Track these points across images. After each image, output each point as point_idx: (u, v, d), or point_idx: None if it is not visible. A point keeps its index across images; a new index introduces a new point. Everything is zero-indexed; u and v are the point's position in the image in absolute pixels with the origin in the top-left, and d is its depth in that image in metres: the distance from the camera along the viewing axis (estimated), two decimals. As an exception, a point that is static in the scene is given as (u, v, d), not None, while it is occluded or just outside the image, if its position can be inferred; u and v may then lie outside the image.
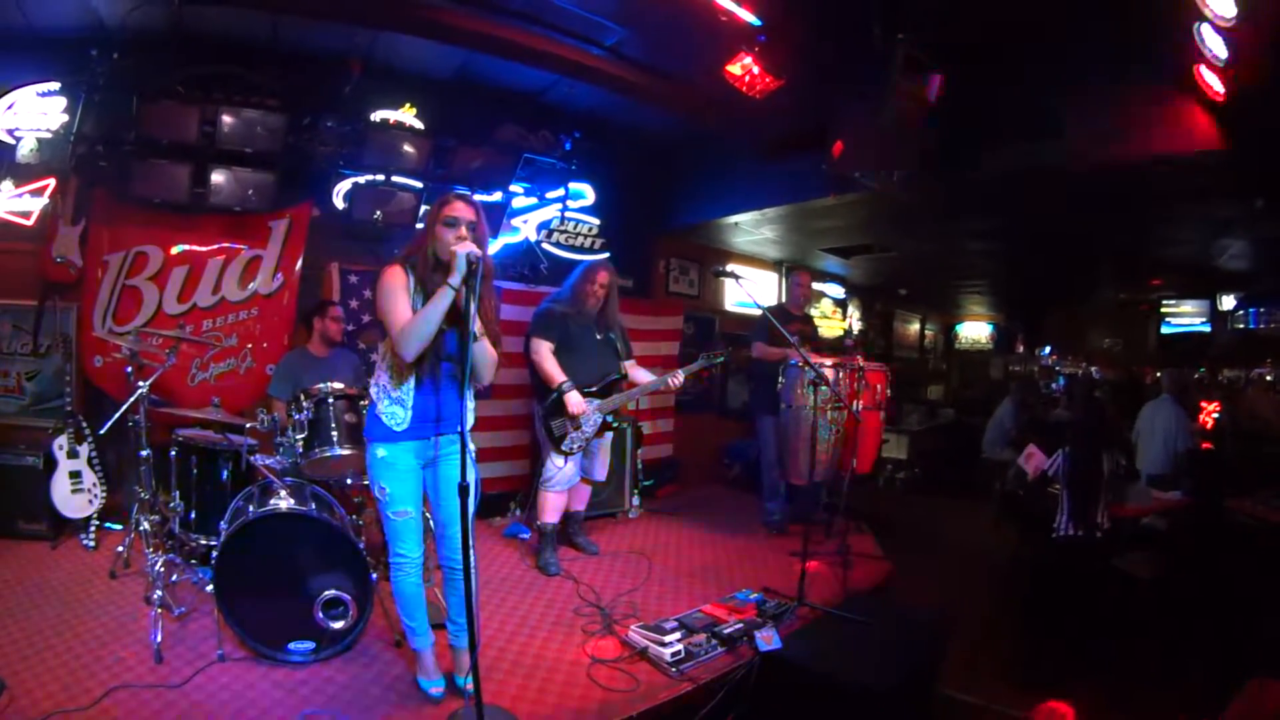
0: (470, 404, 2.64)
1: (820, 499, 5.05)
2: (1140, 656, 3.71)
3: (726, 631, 3.29)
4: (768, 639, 3.22)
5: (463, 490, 2.38)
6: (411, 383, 2.66)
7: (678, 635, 3.21)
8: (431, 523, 2.96)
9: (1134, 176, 4.55)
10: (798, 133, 4.94)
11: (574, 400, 4.16)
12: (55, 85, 4.70)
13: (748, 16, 4.14)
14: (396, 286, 2.63)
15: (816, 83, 4.49)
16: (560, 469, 4.34)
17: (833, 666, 3.10)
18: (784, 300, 5.62)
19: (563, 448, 4.25)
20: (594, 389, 4.30)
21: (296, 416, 3.44)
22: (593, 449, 4.50)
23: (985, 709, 3.28)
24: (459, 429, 2.51)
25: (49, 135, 4.75)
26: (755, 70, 4.25)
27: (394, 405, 2.67)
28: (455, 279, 2.48)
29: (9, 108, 4.68)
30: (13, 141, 4.74)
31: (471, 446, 2.53)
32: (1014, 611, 4.36)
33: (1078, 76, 4.07)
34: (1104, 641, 3.79)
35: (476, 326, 2.51)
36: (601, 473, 4.66)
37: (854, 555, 4.29)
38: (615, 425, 4.45)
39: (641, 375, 4.49)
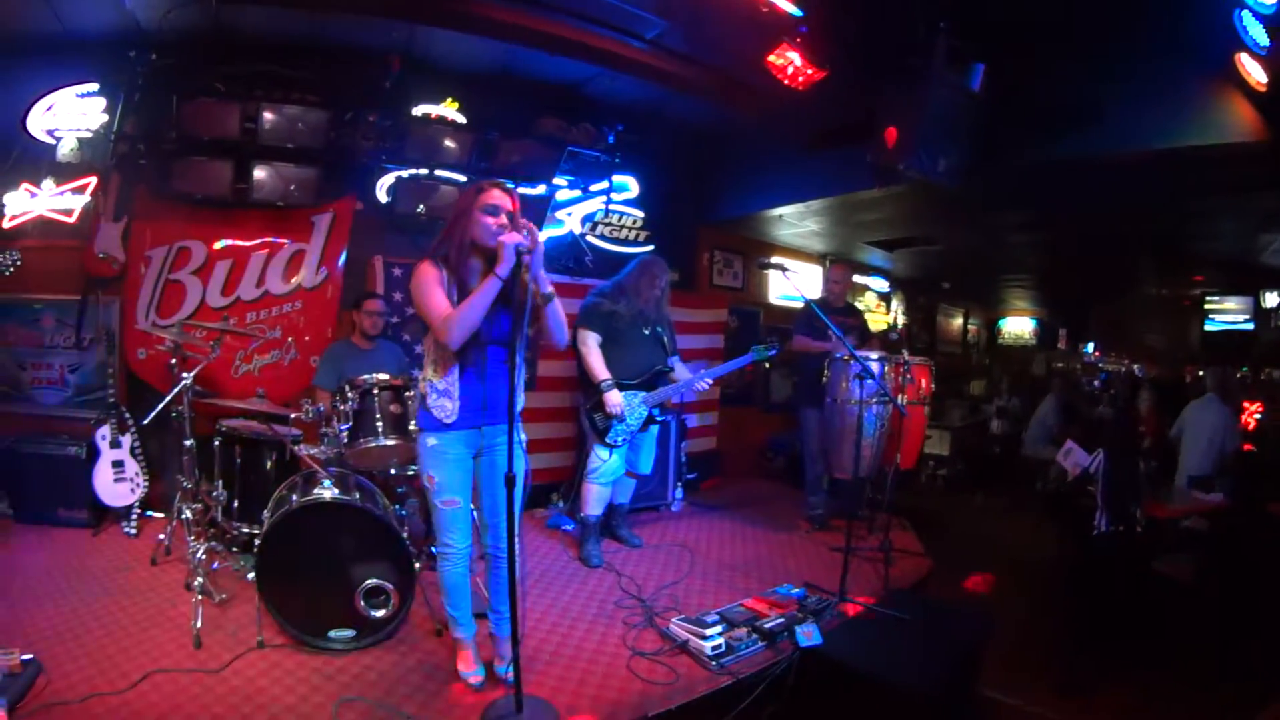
0: (520, 392, 2.62)
1: (864, 494, 4.98)
2: (1179, 660, 3.60)
3: (767, 626, 3.24)
4: (808, 634, 3.17)
5: (508, 480, 2.38)
6: (455, 372, 2.65)
7: (719, 629, 3.16)
8: (478, 513, 2.95)
9: (1174, 167, 4.43)
10: (842, 124, 4.89)
11: (612, 399, 4.15)
12: (94, 86, 4.81)
13: (789, 7, 4.12)
14: (430, 280, 2.62)
15: (860, 74, 4.43)
16: (605, 461, 4.33)
17: (872, 664, 3.05)
18: (826, 293, 5.56)
19: (607, 440, 4.25)
20: (639, 382, 4.30)
21: (341, 407, 3.45)
22: (637, 442, 4.49)
23: (1023, 710, 3.21)
24: (508, 418, 2.50)
25: (89, 135, 4.86)
26: (798, 61, 4.22)
27: (441, 398, 2.66)
28: (504, 269, 2.46)
29: (48, 109, 4.80)
30: (53, 141, 4.85)
31: (523, 436, 2.54)
32: (1054, 612, 4.25)
33: (1117, 66, 3.98)
34: (1143, 644, 3.68)
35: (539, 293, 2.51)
36: (646, 466, 4.65)
37: (895, 552, 4.23)
38: (659, 419, 4.43)
39: (686, 371, 4.46)
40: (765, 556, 4.59)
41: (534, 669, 2.96)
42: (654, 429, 4.54)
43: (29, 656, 2.81)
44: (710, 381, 4.34)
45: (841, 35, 4.23)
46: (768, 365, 4.19)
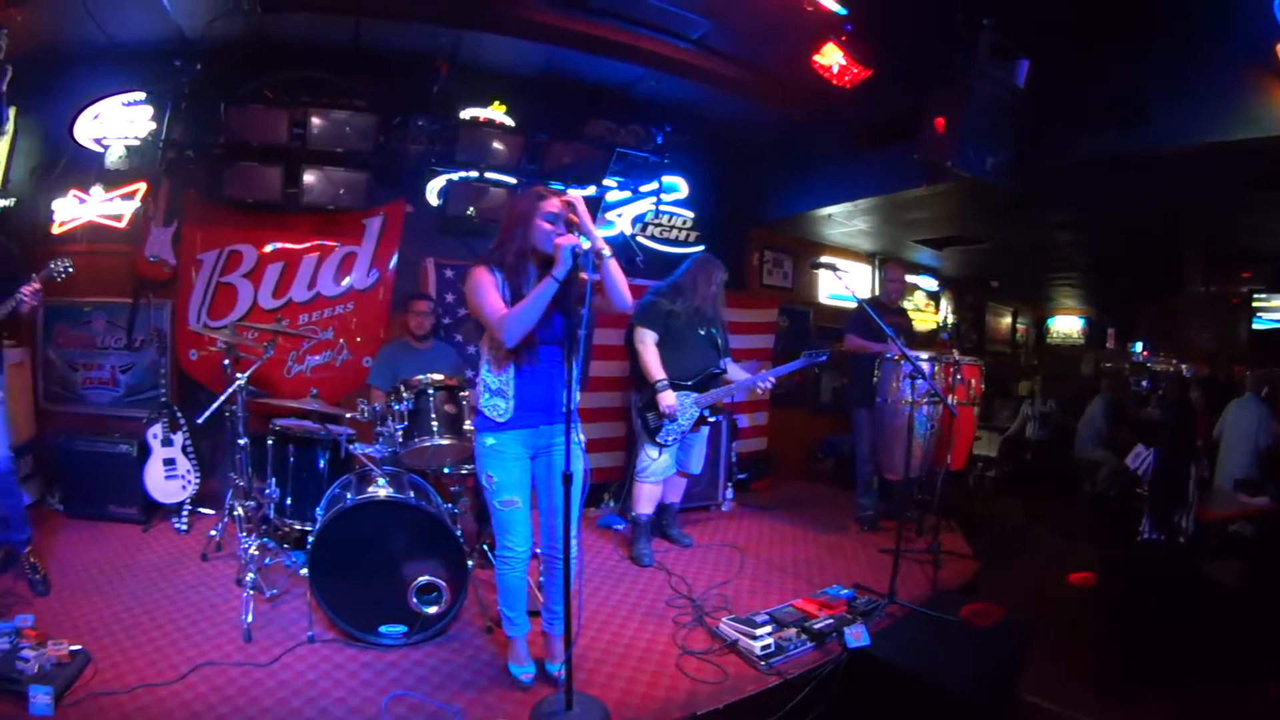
0: (576, 391, 2.60)
1: (913, 495, 4.93)
2: (1225, 668, 3.49)
3: (817, 627, 3.21)
4: (857, 635, 3.15)
5: (566, 479, 2.39)
6: (510, 371, 2.67)
7: (768, 629, 3.14)
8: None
9: (1220, 162, 4.34)
10: (888, 122, 4.86)
11: (666, 400, 4.15)
12: (140, 95, 4.94)
13: (833, 5, 4.12)
14: (485, 283, 2.64)
15: (906, 71, 4.42)
16: (655, 460, 4.33)
17: (918, 665, 3.02)
18: (878, 293, 5.49)
19: (658, 439, 4.25)
20: (691, 383, 4.29)
21: (397, 407, 3.48)
22: (688, 442, 4.48)
23: (1062, 716, 3.11)
24: (564, 418, 2.50)
25: (136, 142, 4.98)
26: (843, 60, 4.21)
27: (495, 397, 2.68)
28: (560, 271, 2.47)
29: (94, 117, 4.93)
30: (100, 149, 4.98)
31: (581, 437, 2.55)
32: (1098, 616, 4.16)
33: (1160, 59, 3.92)
34: (1188, 651, 3.58)
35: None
36: (697, 466, 4.64)
37: (944, 554, 4.17)
38: (711, 419, 4.42)
39: (739, 372, 4.45)
40: (815, 557, 4.56)
41: (584, 667, 2.96)
42: (706, 429, 4.53)
43: (77, 647, 2.87)
44: (763, 386, 4.33)
45: (886, 33, 4.21)
46: (818, 370, 4.15)
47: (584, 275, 2.50)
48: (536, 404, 2.69)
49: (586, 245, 2.48)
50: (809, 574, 4.20)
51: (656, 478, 4.38)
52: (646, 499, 4.41)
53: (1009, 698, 3.17)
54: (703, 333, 4.37)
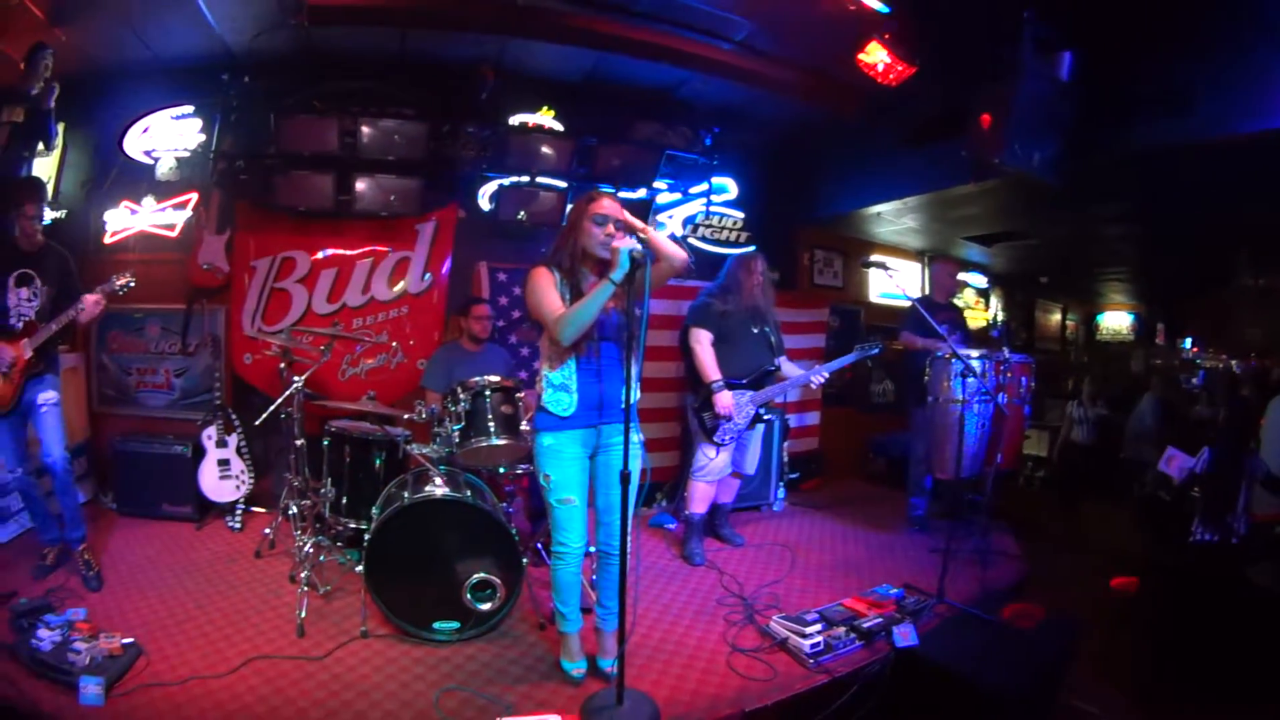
0: (636, 390, 2.63)
1: (964, 495, 4.86)
2: (1268, 677, 3.39)
3: (866, 626, 3.20)
4: (905, 635, 3.14)
5: (624, 477, 2.43)
6: (573, 366, 2.71)
7: (818, 627, 3.14)
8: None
9: (1268, 150, 4.20)
10: (935, 119, 4.83)
11: (723, 400, 4.16)
12: (189, 108, 5.07)
13: (875, 4, 4.11)
14: (545, 283, 2.70)
15: (951, 68, 4.39)
16: (712, 460, 4.34)
17: (964, 666, 3.00)
18: (929, 291, 5.44)
19: (715, 439, 4.26)
20: (746, 381, 4.31)
21: (454, 408, 3.52)
22: (743, 442, 4.49)
23: None
24: (624, 417, 2.53)
25: (186, 154, 5.12)
26: (888, 58, 4.19)
27: (558, 392, 2.72)
28: (618, 274, 2.50)
29: (144, 131, 5.07)
30: (150, 161, 5.11)
31: (640, 436, 2.57)
32: (1143, 620, 4.07)
33: (1206, 47, 3.83)
34: (1231, 657, 3.47)
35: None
36: (752, 466, 4.65)
37: (993, 554, 4.15)
38: (765, 417, 4.44)
39: (792, 369, 4.45)
40: (865, 557, 4.54)
41: (634, 663, 2.96)
42: (760, 428, 4.54)
43: (129, 640, 2.95)
44: (817, 381, 4.31)
45: (930, 29, 4.18)
46: (870, 364, 4.13)
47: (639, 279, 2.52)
48: (597, 403, 2.73)
49: (640, 248, 2.51)
50: (859, 573, 4.18)
51: (713, 477, 4.40)
52: (700, 498, 4.43)
53: (1053, 701, 3.15)
54: (756, 331, 4.38)
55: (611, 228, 2.66)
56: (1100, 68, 4.05)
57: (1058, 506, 6.35)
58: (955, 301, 5.71)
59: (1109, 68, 4.08)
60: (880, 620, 3.25)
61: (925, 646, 3.12)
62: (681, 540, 4.55)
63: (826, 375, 4.32)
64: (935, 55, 4.34)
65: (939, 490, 5.08)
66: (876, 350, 4.36)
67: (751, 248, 6.05)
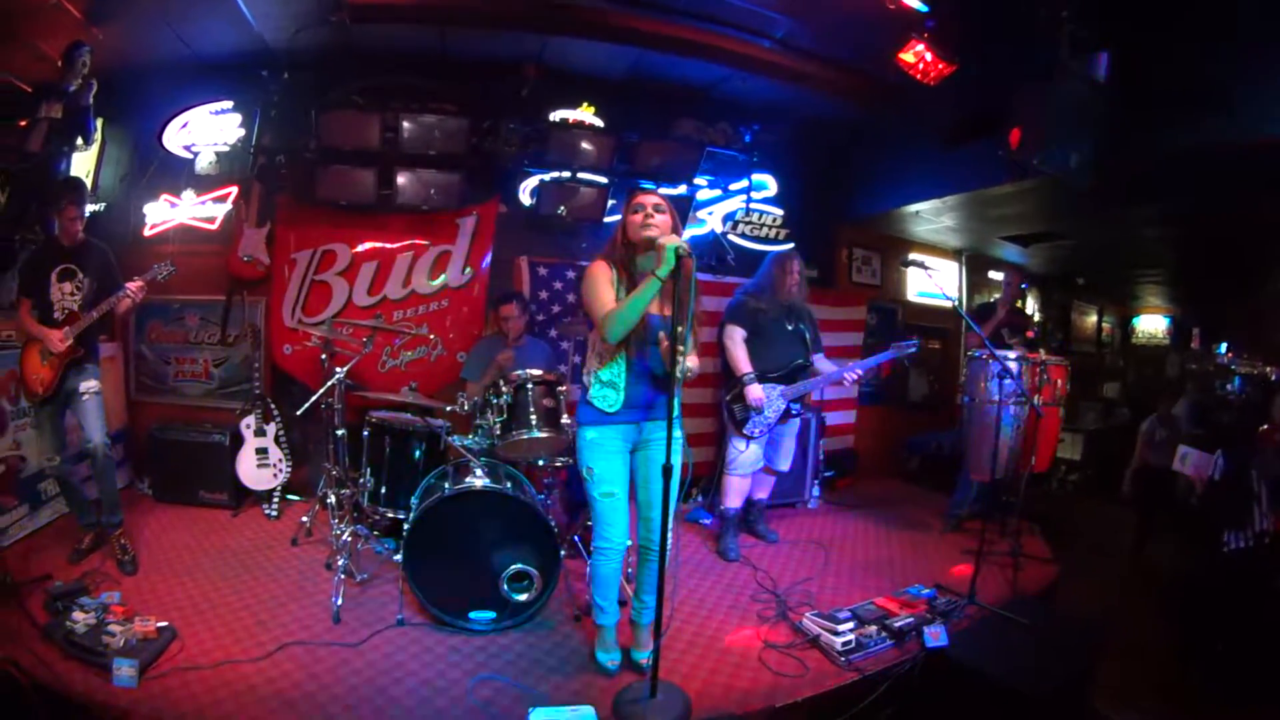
0: (679, 390, 2.65)
1: (999, 497, 4.83)
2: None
3: (897, 625, 3.22)
4: (936, 636, 3.14)
5: (665, 471, 2.45)
6: (622, 365, 2.74)
7: (850, 625, 3.16)
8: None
9: None
10: (973, 118, 4.82)
11: (753, 393, 4.21)
12: (228, 104, 5.16)
13: (914, 3, 4.11)
14: (600, 278, 2.74)
15: (989, 66, 4.38)
16: (743, 453, 4.38)
17: (993, 668, 2.99)
18: (964, 291, 5.42)
19: (745, 431, 4.30)
20: (779, 376, 4.34)
21: (496, 400, 3.56)
22: (777, 438, 4.53)
23: None
24: (667, 414, 2.54)
25: (226, 148, 5.21)
26: (928, 57, 4.19)
27: (605, 389, 2.76)
28: (663, 270, 2.53)
29: (183, 126, 5.17)
30: (190, 156, 5.22)
31: (682, 432, 2.60)
32: (1174, 629, 4.03)
33: (1244, 45, 3.76)
34: (1259, 668, 3.43)
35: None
36: (785, 463, 4.67)
37: (1025, 557, 4.11)
38: (796, 413, 4.45)
39: (827, 365, 4.49)
40: (898, 556, 4.54)
41: (668, 657, 3.00)
42: (793, 425, 4.57)
43: (164, 623, 3.01)
44: (851, 377, 4.34)
45: (969, 28, 4.17)
46: (906, 363, 4.11)
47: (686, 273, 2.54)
48: (641, 398, 2.76)
49: (686, 244, 2.53)
50: (891, 572, 4.19)
51: (744, 470, 4.43)
52: (735, 492, 4.46)
53: (1082, 706, 3.14)
54: (791, 328, 4.42)
55: (650, 210, 2.71)
56: (1137, 68, 4.02)
57: (1091, 510, 6.25)
58: (1019, 306, 5.68)
59: (1146, 68, 4.03)
60: (911, 620, 3.26)
61: (955, 647, 3.12)
62: (717, 535, 4.57)
63: (860, 372, 4.35)
64: (974, 54, 4.34)
65: (975, 491, 5.03)
66: (913, 347, 4.35)
67: (790, 245, 6.04)
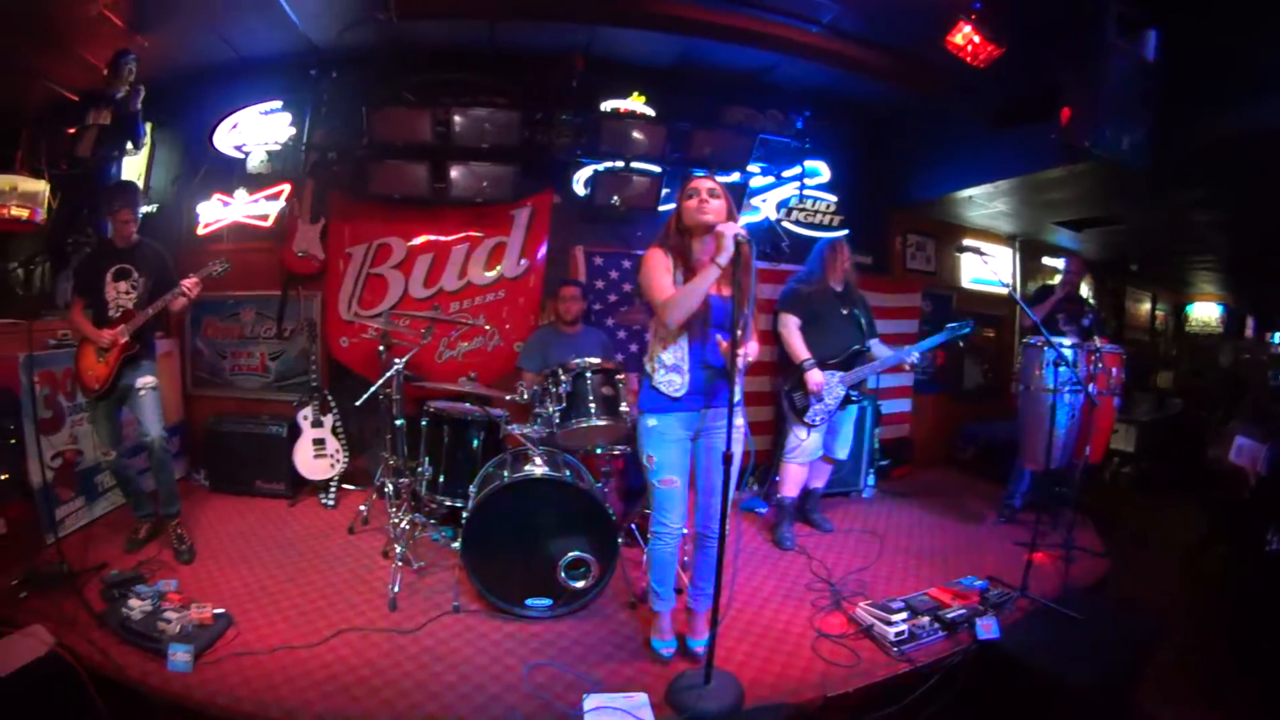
0: (740, 378, 2.65)
1: (1053, 488, 4.76)
2: None
3: (950, 616, 3.21)
4: (988, 628, 3.13)
5: (727, 459, 2.46)
6: (684, 348, 2.74)
7: (903, 616, 3.16)
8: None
9: None
10: (1024, 101, 4.75)
11: (814, 378, 4.21)
12: (277, 103, 5.27)
13: (961, -16, 4.04)
14: (657, 265, 2.74)
15: (1038, 47, 4.32)
16: (803, 441, 4.38)
17: (1042, 661, 2.99)
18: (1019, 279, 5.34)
19: (806, 419, 4.30)
20: (836, 362, 4.33)
21: (555, 389, 3.58)
22: (835, 425, 4.51)
23: None
24: (727, 402, 2.55)
25: (277, 147, 5.33)
26: (976, 39, 4.14)
27: (670, 373, 2.75)
28: (723, 259, 2.54)
29: (233, 127, 5.30)
30: (241, 155, 5.35)
31: (744, 419, 2.59)
32: (1221, 629, 3.94)
33: None
34: None
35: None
36: (844, 451, 4.65)
37: (1077, 549, 4.05)
38: (856, 399, 4.44)
39: (883, 350, 4.46)
40: (951, 547, 4.51)
41: (722, 644, 2.99)
42: (852, 413, 4.55)
43: (220, 610, 3.08)
44: (911, 360, 4.31)
45: (1017, 9, 4.11)
46: (961, 344, 4.06)
47: (745, 260, 2.56)
48: (703, 384, 2.76)
49: (745, 232, 2.55)
50: (944, 563, 4.17)
51: (804, 458, 4.43)
52: (792, 481, 4.47)
53: (1129, 702, 3.09)
54: (845, 313, 4.41)
55: (704, 195, 2.70)
56: (1188, 47, 3.95)
57: (1145, 503, 6.10)
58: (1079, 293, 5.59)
59: (1197, 47, 3.96)
60: (964, 611, 3.25)
61: (1006, 639, 3.11)
62: (772, 525, 4.57)
63: (918, 355, 4.31)
64: (1023, 35, 4.28)
65: (1029, 481, 4.97)
66: (968, 329, 4.29)
67: (844, 231, 6.01)
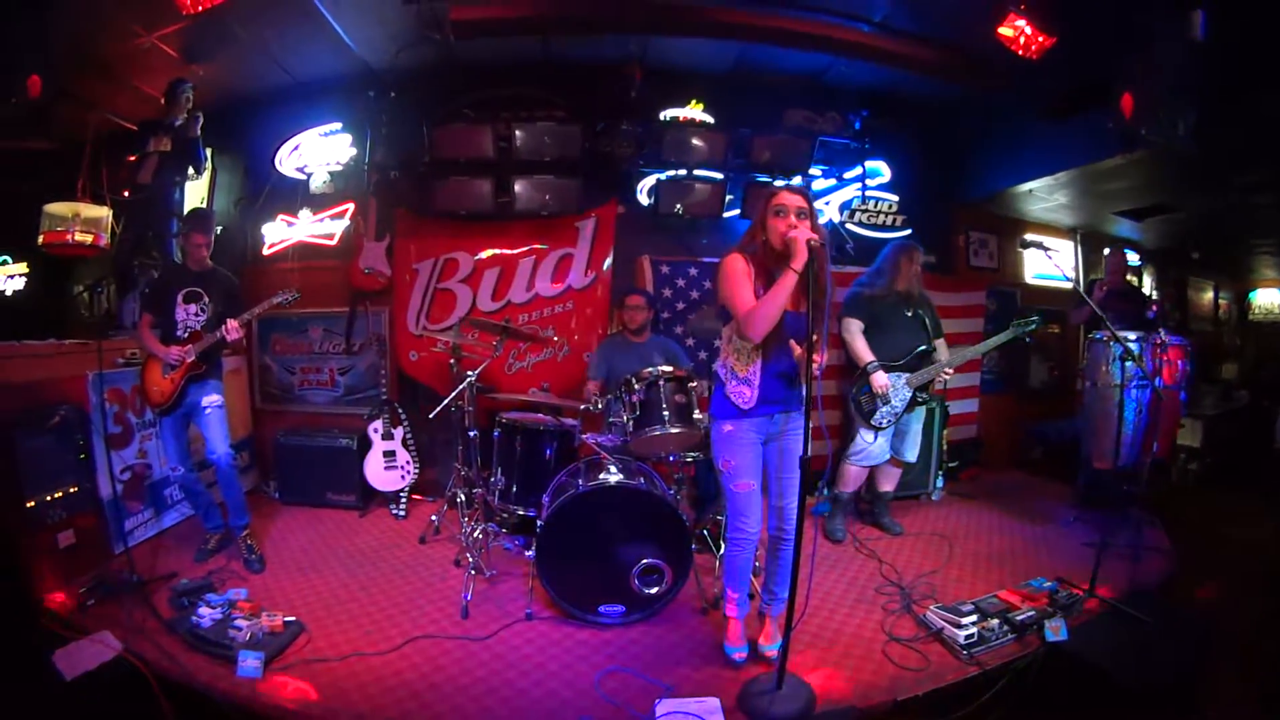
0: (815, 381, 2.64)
1: (1121, 486, 4.68)
2: None
3: (1019, 619, 3.19)
4: (1056, 630, 3.12)
5: (803, 463, 2.48)
6: (759, 364, 2.77)
7: (973, 619, 3.15)
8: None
9: None
10: (1079, 90, 4.70)
11: (879, 379, 4.22)
12: (337, 125, 5.43)
13: (1009, -26, 4.01)
14: (738, 273, 2.74)
15: (1090, 36, 4.26)
16: (870, 444, 4.39)
17: (1107, 663, 2.97)
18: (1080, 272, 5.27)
19: (872, 422, 4.31)
20: (902, 363, 4.33)
21: (629, 397, 3.62)
22: (904, 428, 4.51)
23: None
24: (801, 405, 2.59)
25: (339, 168, 5.47)
26: (1027, 30, 4.10)
27: (741, 385, 2.79)
28: (798, 263, 2.55)
29: (294, 149, 5.48)
30: (303, 177, 5.52)
31: (823, 424, 2.60)
32: None
33: None
34: None
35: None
36: (913, 454, 4.63)
37: (1145, 549, 4.01)
38: (923, 401, 4.42)
39: (948, 352, 4.45)
40: (1020, 548, 4.46)
41: (794, 649, 2.96)
42: (920, 414, 4.53)
43: (292, 618, 3.18)
44: (979, 358, 4.26)
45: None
46: (1028, 340, 4.00)
47: (821, 268, 2.56)
48: (775, 393, 2.79)
49: (818, 237, 2.56)
50: (1014, 565, 4.13)
51: (867, 461, 4.45)
52: (851, 479, 4.51)
53: (1193, 707, 3.03)
54: (909, 314, 4.39)
55: (793, 218, 2.68)
56: (1235, 24, 3.84)
57: (1213, 500, 5.92)
58: (1132, 283, 5.49)
59: (1245, 24, 3.85)
60: (1033, 614, 3.23)
61: (1073, 642, 3.09)
62: (827, 517, 4.60)
63: (982, 353, 4.29)
64: (1074, 24, 4.22)
65: (1097, 479, 4.90)
66: (1035, 324, 4.21)
67: (908, 233, 5.98)
